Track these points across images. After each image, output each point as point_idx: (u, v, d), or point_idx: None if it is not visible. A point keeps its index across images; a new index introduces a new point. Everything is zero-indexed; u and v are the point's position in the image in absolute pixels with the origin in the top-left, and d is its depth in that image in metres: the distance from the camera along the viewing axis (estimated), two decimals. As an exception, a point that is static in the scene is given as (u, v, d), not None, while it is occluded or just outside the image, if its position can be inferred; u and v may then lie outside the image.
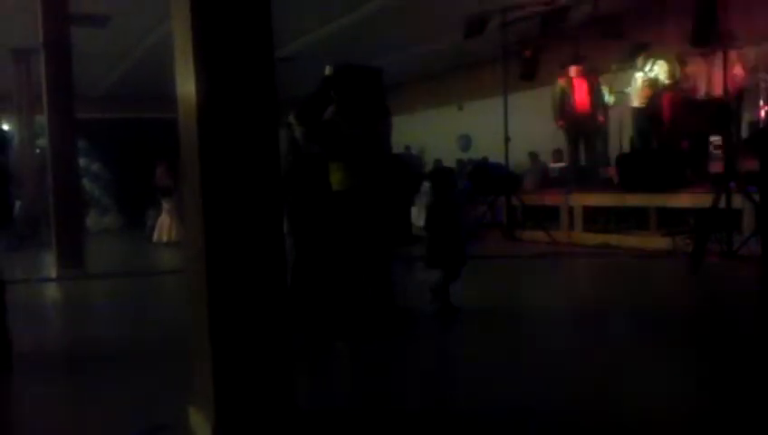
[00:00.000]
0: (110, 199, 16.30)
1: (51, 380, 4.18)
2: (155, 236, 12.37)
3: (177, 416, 3.16)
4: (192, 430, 3.07)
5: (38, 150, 11.73)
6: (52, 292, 7.74)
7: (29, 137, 13.70)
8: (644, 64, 10.02)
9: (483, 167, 12.49)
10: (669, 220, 8.82)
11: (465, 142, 15.84)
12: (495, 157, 12.10)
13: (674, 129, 9.48)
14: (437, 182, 5.55)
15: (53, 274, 8.27)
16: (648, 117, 9.88)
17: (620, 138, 10.79)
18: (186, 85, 2.98)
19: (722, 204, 7.02)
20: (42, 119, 9.62)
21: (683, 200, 8.39)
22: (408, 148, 16.48)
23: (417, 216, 13.20)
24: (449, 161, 15.78)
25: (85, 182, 14.41)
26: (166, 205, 12.45)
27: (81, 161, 11.48)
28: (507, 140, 10.46)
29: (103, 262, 9.62)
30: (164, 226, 12.36)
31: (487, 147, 13.42)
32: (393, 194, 5.20)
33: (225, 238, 2.93)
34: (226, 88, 2.93)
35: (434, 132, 16.35)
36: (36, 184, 12.57)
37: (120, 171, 16.30)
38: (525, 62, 11.59)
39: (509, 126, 10.52)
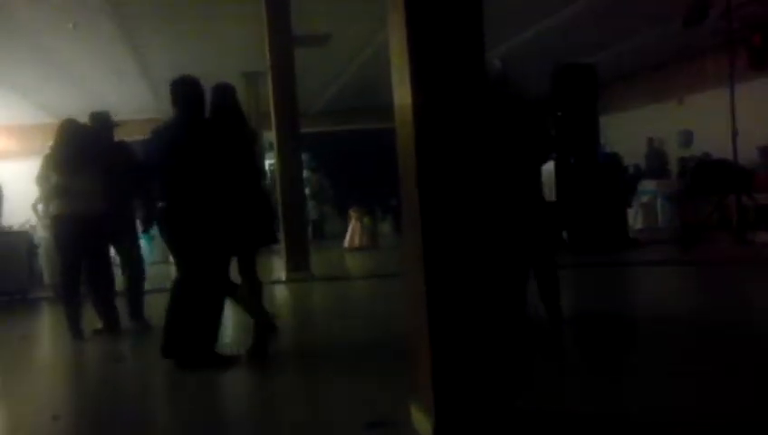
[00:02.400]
0: (330, 208, 17.22)
1: (285, 373, 4.55)
2: (346, 243, 13.14)
3: (401, 412, 3.29)
4: (414, 427, 3.19)
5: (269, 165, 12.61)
6: (282, 293, 8.39)
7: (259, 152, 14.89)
8: None
9: (706, 163, 11.62)
10: None
11: (687, 138, 14.82)
12: (721, 153, 11.21)
13: None
14: None
15: (283, 277, 8.93)
16: None
17: None
18: (402, 94, 3.11)
19: None
20: (269, 135, 10.52)
21: None
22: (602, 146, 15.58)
23: (635, 218, 12.62)
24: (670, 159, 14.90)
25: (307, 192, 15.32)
26: (353, 214, 13.26)
27: (304, 173, 12.23)
28: (735, 133, 9.65)
29: (326, 266, 10.22)
30: (355, 233, 13.11)
31: (711, 142, 12.48)
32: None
33: (442, 242, 3.02)
34: (442, 95, 3.03)
35: (651, 129, 15.50)
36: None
37: (337, 181, 17.25)
38: (754, 50, 10.65)
39: (736, 119, 9.72)
